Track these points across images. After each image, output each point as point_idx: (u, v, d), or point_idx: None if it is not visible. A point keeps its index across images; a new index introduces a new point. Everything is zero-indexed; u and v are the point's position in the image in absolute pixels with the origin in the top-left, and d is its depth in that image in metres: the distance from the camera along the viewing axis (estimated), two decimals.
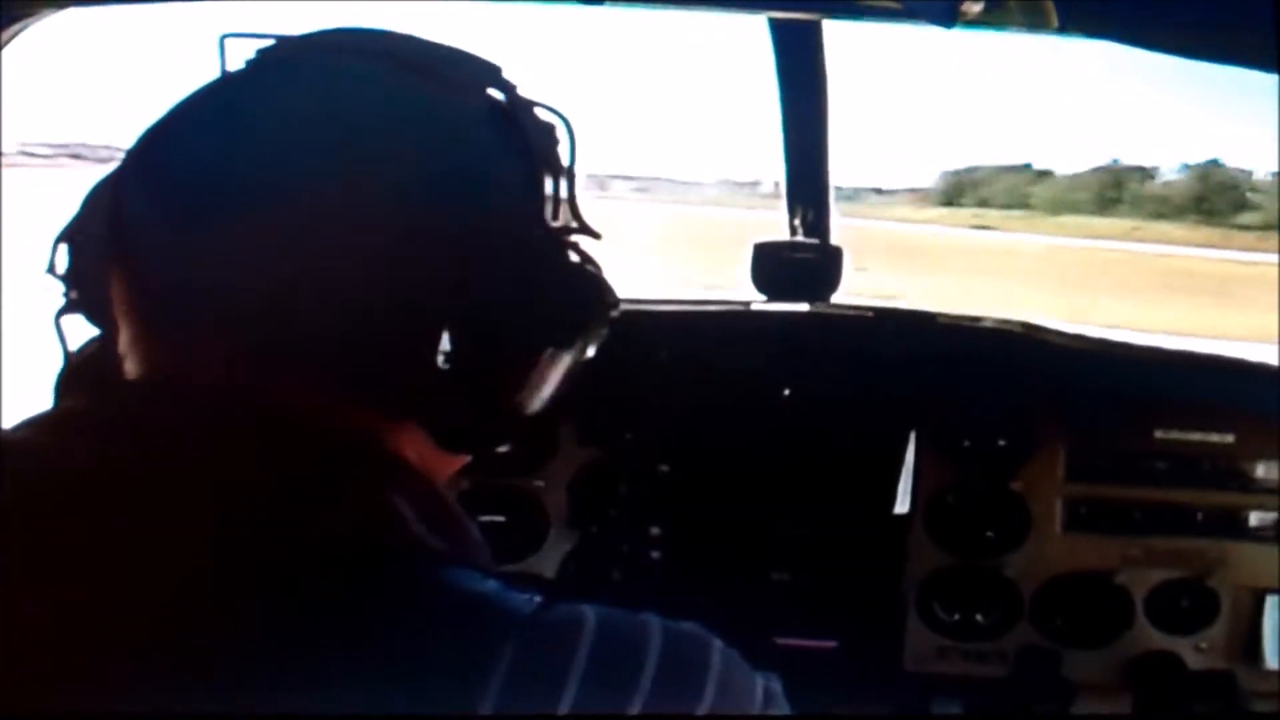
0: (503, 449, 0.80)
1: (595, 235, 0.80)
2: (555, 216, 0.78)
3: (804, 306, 2.03)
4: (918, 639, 1.98)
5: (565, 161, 0.79)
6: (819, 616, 1.98)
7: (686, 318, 2.05)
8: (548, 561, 1.98)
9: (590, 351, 0.80)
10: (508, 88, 0.79)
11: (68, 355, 0.88)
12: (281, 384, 0.70)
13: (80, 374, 0.84)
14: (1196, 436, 1.93)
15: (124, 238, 0.73)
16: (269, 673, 0.61)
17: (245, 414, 0.69)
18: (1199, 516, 1.94)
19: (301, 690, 0.60)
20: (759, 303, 2.06)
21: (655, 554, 1.97)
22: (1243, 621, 1.94)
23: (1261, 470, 1.93)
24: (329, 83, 0.74)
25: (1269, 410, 1.88)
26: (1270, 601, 1.93)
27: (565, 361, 0.78)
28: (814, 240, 2.19)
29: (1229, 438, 1.93)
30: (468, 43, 0.80)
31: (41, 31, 1.52)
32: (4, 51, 1.47)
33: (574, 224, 0.80)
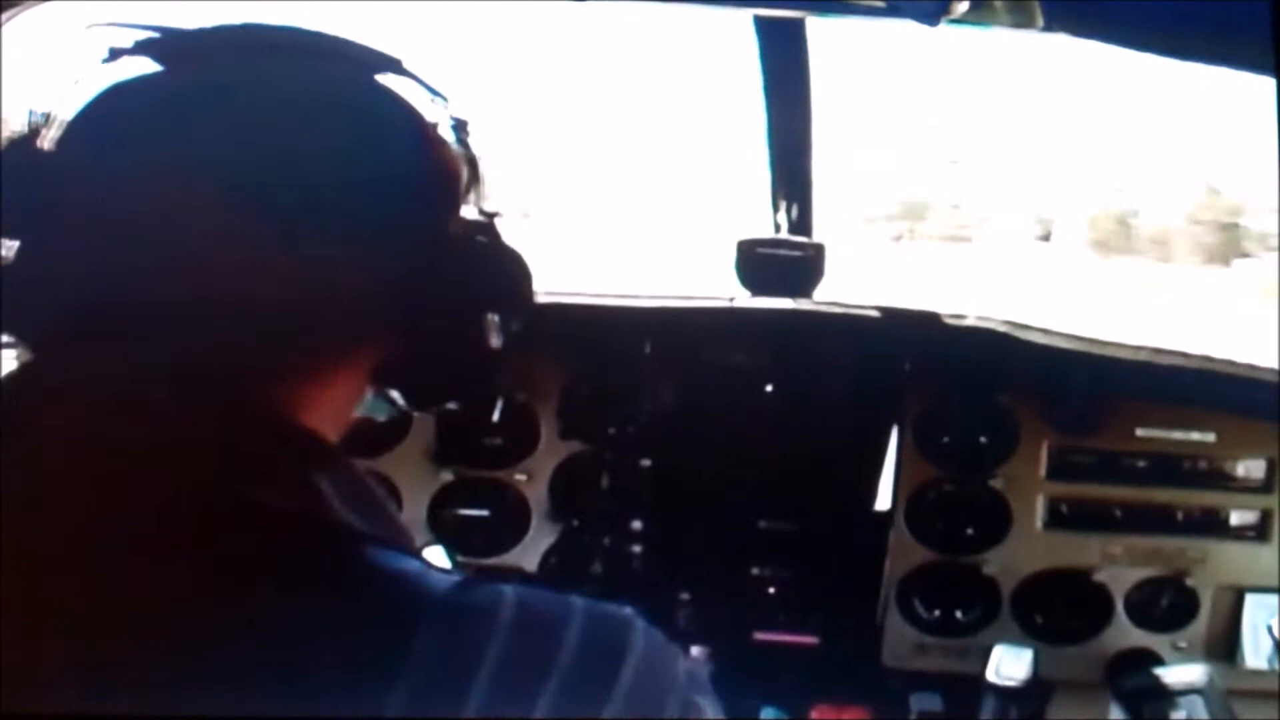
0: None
1: (495, 215, 0.83)
2: (469, 201, 0.82)
3: (787, 303, 2.03)
4: (897, 634, 1.98)
5: (473, 149, 0.82)
6: (799, 612, 1.99)
7: (669, 313, 2.04)
8: (529, 555, 1.98)
9: (513, 328, 0.83)
10: (410, 78, 0.81)
11: None
12: (222, 367, 0.71)
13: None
14: (1178, 436, 1.94)
15: (55, 232, 0.74)
16: (188, 645, 0.61)
17: (183, 394, 0.69)
18: (1179, 515, 1.95)
19: (216, 662, 0.61)
20: (742, 299, 2.06)
21: (636, 548, 1.97)
22: (1222, 620, 1.95)
23: (1242, 470, 1.94)
24: (241, 78, 0.76)
25: (1250, 410, 1.89)
26: (1249, 600, 1.94)
27: (492, 340, 0.82)
28: (797, 237, 2.19)
29: (1210, 437, 1.93)
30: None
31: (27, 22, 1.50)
32: None
33: (485, 209, 0.83)
